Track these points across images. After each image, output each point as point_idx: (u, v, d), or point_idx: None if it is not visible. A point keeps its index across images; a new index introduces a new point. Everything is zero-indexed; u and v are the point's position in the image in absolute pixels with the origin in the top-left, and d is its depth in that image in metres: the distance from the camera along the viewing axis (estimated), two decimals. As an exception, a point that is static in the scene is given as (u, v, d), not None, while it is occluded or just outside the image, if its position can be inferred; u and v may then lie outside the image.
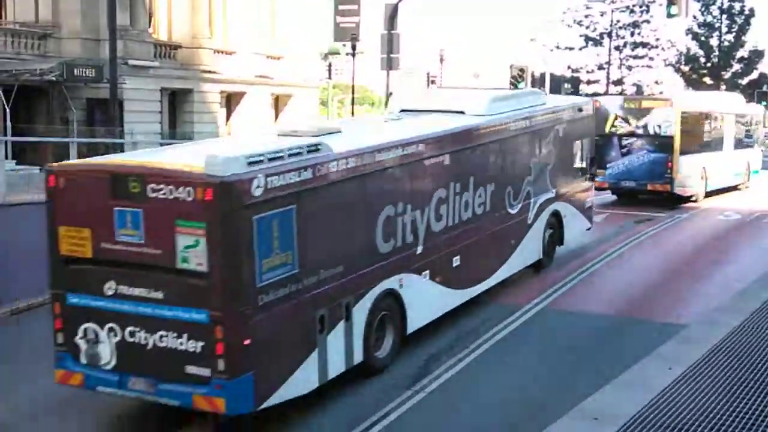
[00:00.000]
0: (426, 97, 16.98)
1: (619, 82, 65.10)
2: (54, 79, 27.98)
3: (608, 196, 26.39)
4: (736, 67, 65.92)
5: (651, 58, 65.77)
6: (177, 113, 34.60)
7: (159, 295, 9.25)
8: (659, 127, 24.79)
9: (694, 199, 26.22)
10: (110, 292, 9.52)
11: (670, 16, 27.81)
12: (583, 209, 18.61)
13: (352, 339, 10.92)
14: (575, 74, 65.11)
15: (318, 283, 10.16)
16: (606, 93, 61.93)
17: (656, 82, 66.34)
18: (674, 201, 25.46)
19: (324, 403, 10.48)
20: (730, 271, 16.92)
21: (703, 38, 65.97)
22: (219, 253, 8.90)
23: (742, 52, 65.64)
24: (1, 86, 27.34)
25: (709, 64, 66.04)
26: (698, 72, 66.35)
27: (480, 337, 12.84)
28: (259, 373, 9.21)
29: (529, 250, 16.12)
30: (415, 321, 12.37)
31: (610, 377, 8.55)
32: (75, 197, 9.79)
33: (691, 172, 25.57)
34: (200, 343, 9.05)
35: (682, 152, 24.75)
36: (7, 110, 26.97)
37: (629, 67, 66.04)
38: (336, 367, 10.64)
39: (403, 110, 15.25)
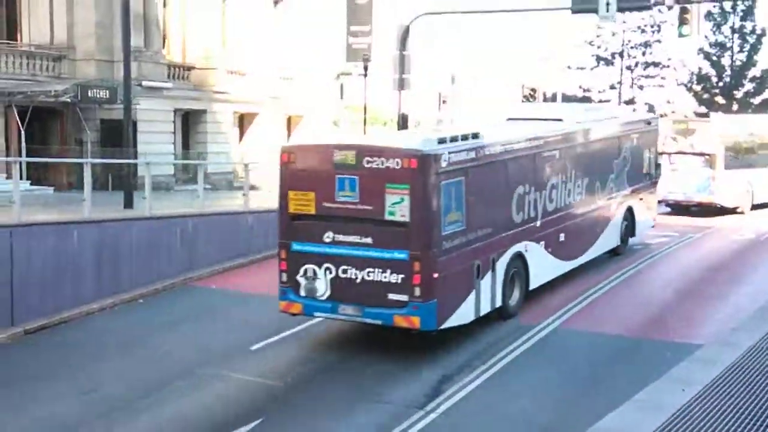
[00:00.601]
0: (527, 109, 21.65)
1: (630, 101, 65.09)
2: (68, 100, 28.18)
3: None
4: (748, 86, 65.76)
5: (663, 78, 65.83)
6: (190, 134, 34.75)
7: (368, 240, 12.37)
8: (703, 145, 27.61)
9: (740, 210, 28.23)
10: (328, 240, 12.65)
11: (681, 35, 27.78)
12: (649, 207, 21.91)
13: (495, 286, 14.09)
14: (586, 94, 65.17)
15: (476, 239, 13.39)
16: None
17: (668, 102, 66.29)
18: (719, 212, 27.53)
19: (333, 424, 10.47)
20: (745, 291, 16.83)
21: (714, 58, 65.90)
22: (419, 208, 12.09)
23: (754, 72, 65.49)
24: (16, 108, 27.54)
25: (720, 84, 65.93)
26: (710, 91, 66.24)
27: (493, 356, 12.80)
28: (440, 301, 12.32)
29: (610, 236, 19.41)
30: (534, 280, 15.56)
31: (623, 398, 8.49)
32: (303, 168, 12.90)
33: (735, 187, 27.77)
34: (400, 276, 12.16)
35: (727, 168, 27.33)
36: (22, 131, 27.16)
37: (641, 87, 66.12)
38: (484, 307, 13.77)
39: (509, 119, 18.11)
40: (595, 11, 24.90)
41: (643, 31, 63.90)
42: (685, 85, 66.69)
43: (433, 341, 13.13)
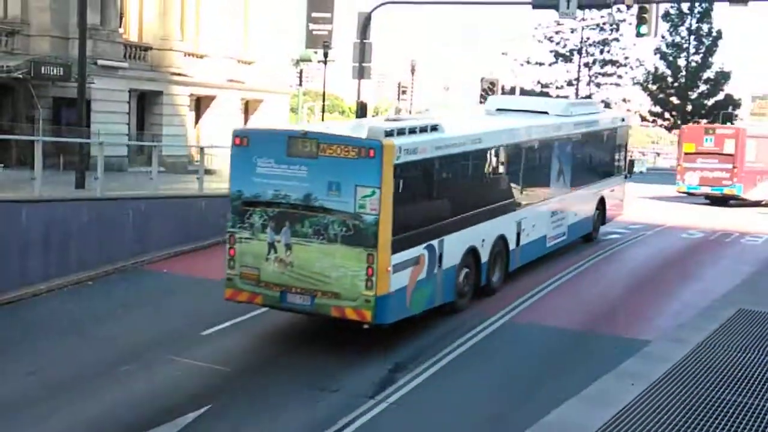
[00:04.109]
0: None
1: (587, 98, 65.62)
2: (21, 76, 27.61)
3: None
4: (703, 87, 66.75)
5: (620, 76, 66.52)
6: (146, 115, 34.30)
7: (716, 158, 33.45)
8: None
9: None
10: (700, 159, 33.77)
11: (639, 35, 28.06)
12: None
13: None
14: (545, 89, 65.63)
15: (748, 162, 33.86)
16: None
17: (624, 100, 67.02)
18: None
19: (282, 410, 10.40)
20: (694, 288, 17.09)
21: (671, 58, 66.74)
22: (738, 146, 33.11)
23: (708, 73, 66.46)
24: (-34, 82, 26.93)
25: (676, 84, 66.81)
26: (665, 91, 67.13)
27: (445, 347, 12.82)
28: (744, 183, 33.85)
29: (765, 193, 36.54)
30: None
31: (573, 392, 8.56)
32: (690, 134, 35.15)
33: None
34: (729, 165, 33.45)
35: None
36: (-28, 107, 26.57)
37: (598, 85, 66.73)
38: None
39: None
40: (556, 7, 25.03)
41: (601, 29, 64.45)
42: (641, 85, 67.46)
43: (383, 333, 13.15)
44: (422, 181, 13.23)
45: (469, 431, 10.07)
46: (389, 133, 12.15)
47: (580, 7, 25.90)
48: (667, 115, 67.67)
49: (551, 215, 18.60)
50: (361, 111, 29.23)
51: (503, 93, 43.01)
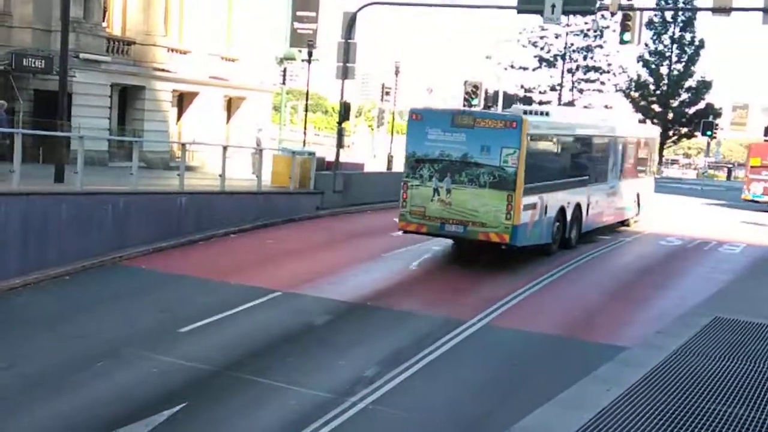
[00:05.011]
0: None
1: (570, 104, 65.90)
2: (1, 68, 27.35)
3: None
4: (684, 96, 67.16)
5: (602, 83, 66.80)
6: (127, 110, 34.05)
7: None
8: None
9: None
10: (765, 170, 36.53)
11: (623, 42, 28.23)
12: None
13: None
14: (528, 94, 65.80)
15: None
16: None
17: (606, 107, 67.33)
18: None
19: (258, 410, 10.36)
20: (670, 296, 17.17)
21: (653, 66, 67.11)
22: None
23: (690, 82, 66.87)
24: (-55, 72, 26.63)
25: (658, 92, 67.18)
26: (647, 99, 67.49)
27: (422, 350, 12.81)
28: None
29: None
30: None
31: (549, 396, 8.57)
32: (753, 145, 40.24)
33: None
34: None
35: None
36: (-49, 97, 26.25)
37: (581, 90, 67.01)
38: None
39: None
40: (541, 12, 25.12)
41: (585, 35, 64.73)
42: (624, 92, 67.77)
43: (364, 332, 13.11)
44: (540, 150, 18.96)
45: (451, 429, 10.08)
46: (524, 112, 18.54)
47: (565, 12, 26.05)
48: (648, 122, 68.04)
49: (606, 197, 23.73)
50: (345, 111, 29.17)
51: (486, 97, 43.08)
